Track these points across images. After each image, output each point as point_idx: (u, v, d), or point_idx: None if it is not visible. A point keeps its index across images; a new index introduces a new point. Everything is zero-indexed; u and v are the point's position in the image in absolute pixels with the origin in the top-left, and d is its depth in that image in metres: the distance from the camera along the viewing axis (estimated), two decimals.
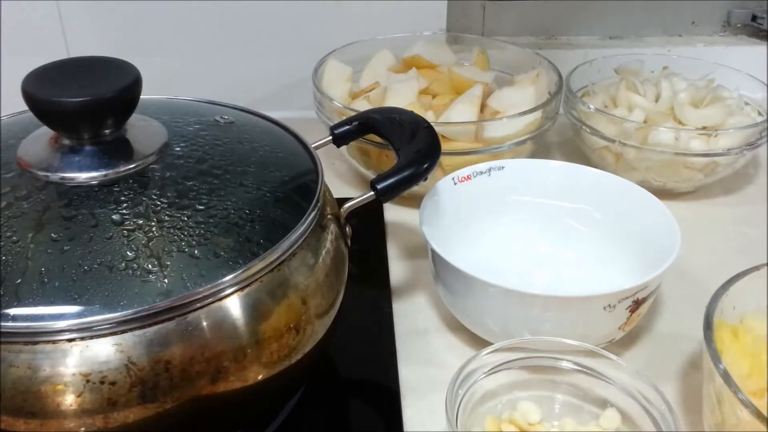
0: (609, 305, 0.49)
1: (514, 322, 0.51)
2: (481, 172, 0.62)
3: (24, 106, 0.42)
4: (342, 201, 0.49)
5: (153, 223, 0.40)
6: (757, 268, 0.48)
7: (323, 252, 0.45)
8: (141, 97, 0.44)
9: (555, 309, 0.50)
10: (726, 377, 0.40)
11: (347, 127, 0.55)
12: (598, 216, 0.62)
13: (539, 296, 0.49)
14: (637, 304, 0.50)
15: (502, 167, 0.62)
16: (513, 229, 0.63)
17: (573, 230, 0.63)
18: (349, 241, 0.50)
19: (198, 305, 0.38)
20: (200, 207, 0.41)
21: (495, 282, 0.49)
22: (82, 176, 0.42)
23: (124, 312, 0.36)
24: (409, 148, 0.51)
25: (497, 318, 0.52)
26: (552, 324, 0.50)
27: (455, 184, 0.61)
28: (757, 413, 0.38)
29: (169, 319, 0.37)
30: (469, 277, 0.50)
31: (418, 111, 0.64)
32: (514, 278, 0.49)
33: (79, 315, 0.35)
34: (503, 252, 0.62)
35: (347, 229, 0.50)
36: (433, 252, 0.53)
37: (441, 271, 0.54)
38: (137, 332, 0.36)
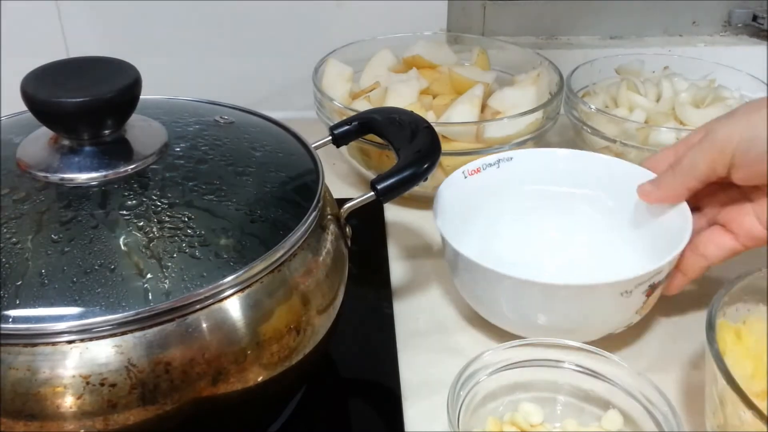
0: (626, 291, 0.49)
1: (532, 311, 0.51)
2: (491, 164, 0.62)
3: (24, 106, 0.42)
4: (342, 201, 0.49)
5: (153, 224, 0.39)
6: (759, 268, 0.48)
7: (323, 252, 0.45)
8: (141, 97, 0.44)
9: (573, 297, 0.50)
10: (729, 378, 0.40)
11: (347, 127, 0.55)
12: (609, 202, 0.62)
13: (557, 286, 0.49)
14: (653, 288, 0.51)
15: (511, 158, 0.63)
16: (524, 219, 0.63)
17: (585, 217, 0.63)
18: (349, 242, 0.50)
19: (198, 306, 0.37)
20: (200, 207, 0.41)
21: (512, 274, 0.49)
22: (82, 177, 0.41)
23: (124, 313, 0.36)
24: (409, 149, 0.50)
25: (515, 308, 0.52)
26: (569, 311, 0.50)
27: (465, 177, 0.61)
28: (761, 415, 0.38)
29: (170, 321, 0.37)
30: (488, 270, 0.50)
31: (419, 111, 0.64)
32: (527, 267, 0.49)
33: (79, 316, 0.35)
34: (516, 241, 0.62)
35: (347, 229, 0.49)
36: (449, 246, 0.53)
37: (458, 264, 0.54)
38: (137, 334, 0.36)
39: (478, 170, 0.62)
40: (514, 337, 0.51)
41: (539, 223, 0.63)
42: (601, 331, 0.52)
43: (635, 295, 0.50)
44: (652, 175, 0.59)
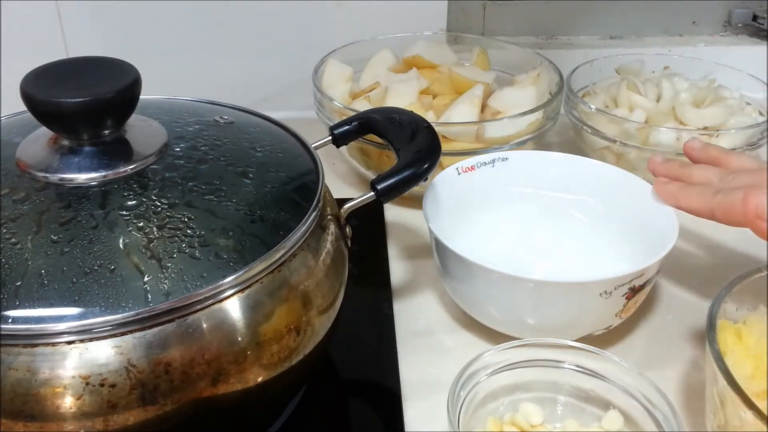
0: (605, 291, 0.49)
1: (514, 308, 0.52)
2: (485, 163, 0.62)
3: (24, 106, 0.42)
4: (342, 201, 0.49)
5: (153, 224, 0.39)
6: (759, 269, 0.48)
7: (323, 253, 0.45)
8: (141, 97, 0.44)
9: (552, 295, 0.50)
10: (729, 378, 0.40)
11: (347, 127, 0.55)
12: (599, 207, 0.62)
13: (537, 282, 0.49)
14: (633, 291, 0.51)
15: (506, 158, 0.63)
16: (516, 220, 0.63)
17: (575, 221, 0.63)
18: (349, 242, 0.50)
19: (198, 307, 0.37)
20: (200, 208, 0.41)
21: (494, 267, 0.49)
22: (82, 177, 0.41)
23: (124, 314, 0.35)
24: (409, 148, 0.50)
25: (498, 304, 0.52)
26: (550, 310, 0.51)
27: (459, 174, 0.61)
28: (761, 415, 0.38)
29: (169, 321, 0.37)
30: (468, 262, 0.50)
31: (419, 111, 0.64)
32: (516, 267, 0.50)
33: (78, 317, 0.35)
34: (506, 242, 0.62)
35: (347, 229, 0.49)
36: (436, 240, 0.53)
37: (443, 257, 0.54)
38: (137, 334, 0.36)
39: (472, 168, 0.62)
40: (511, 336, 0.51)
41: (530, 225, 0.63)
42: (580, 332, 0.52)
43: (615, 296, 0.50)
44: (642, 182, 0.59)
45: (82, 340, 0.35)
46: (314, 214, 0.44)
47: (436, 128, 0.53)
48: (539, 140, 0.71)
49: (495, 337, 0.55)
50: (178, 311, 0.37)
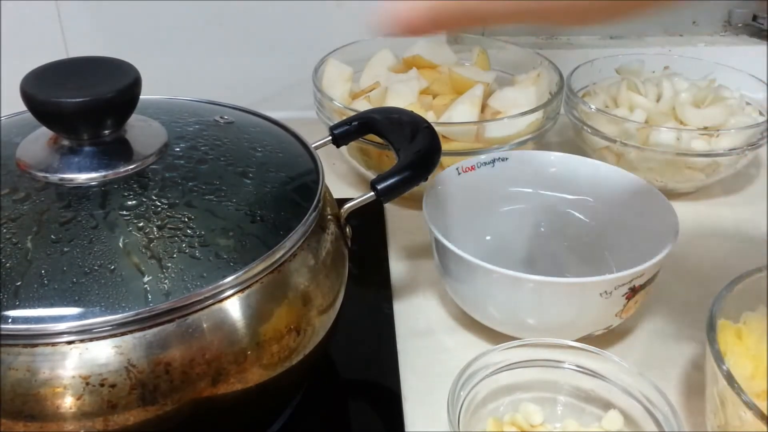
0: (605, 292, 0.49)
1: (514, 308, 0.52)
2: (486, 163, 0.62)
3: (24, 106, 0.42)
4: (342, 201, 0.49)
5: (153, 224, 0.39)
6: (759, 269, 0.48)
7: (323, 253, 0.45)
8: (141, 97, 0.44)
9: (552, 295, 0.50)
10: (729, 379, 0.40)
11: (347, 127, 0.55)
12: (599, 207, 0.62)
13: (537, 282, 0.49)
14: (634, 291, 0.51)
15: (506, 158, 0.63)
16: (516, 220, 0.63)
17: (575, 221, 0.63)
18: (349, 242, 0.50)
19: (198, 307, 0.37)
20: (200, 208, 0.41)
21: (494, 267, 0.49)
22: (82, 177, 0.41)
23: (124, 314, 0.35)
24: (409, 149, 0.50)
25: (498, 304, 0.52)
26: (550, 310, 0.51)
27: (459, 174, 0.61)
28: (761, 415, 0.38)
29: (170, 321, 0.37)
30: (468, 262, 0.50)
31: (419, 111, 0.64)
32: (516, 267, 0.50)
33: (78, 317, 0.35)
34: (506, 242, 0.62)
35: (347, 229, 0.49)
36: (436, 240, 0.53)
37: (443, 257, 0.54)
38: (137, 334, 0.36)
39: (472, 168, 0.62)
40: (511, 336, 0.51)
41: (530, 225, 0.63)
42: (580, 332, 0.52)
43: (615, 296, 0.50)
44: (642, 182, 0.59)
45: (82, 340, 0.35)
46: (314, 214, 0.44)
47: (436, 128, 0.53)
48: (539, 140, 0.71)
49: (495, 337, 0.55)
50: (178, 311, 0.37)
